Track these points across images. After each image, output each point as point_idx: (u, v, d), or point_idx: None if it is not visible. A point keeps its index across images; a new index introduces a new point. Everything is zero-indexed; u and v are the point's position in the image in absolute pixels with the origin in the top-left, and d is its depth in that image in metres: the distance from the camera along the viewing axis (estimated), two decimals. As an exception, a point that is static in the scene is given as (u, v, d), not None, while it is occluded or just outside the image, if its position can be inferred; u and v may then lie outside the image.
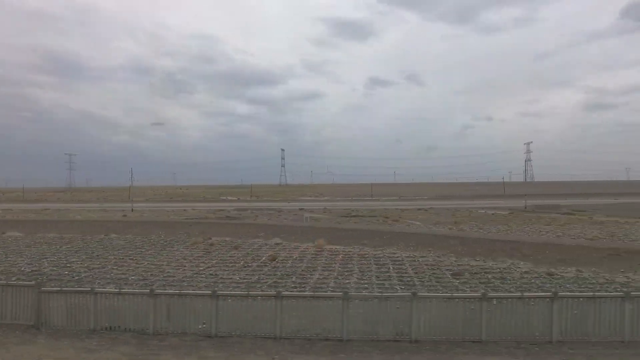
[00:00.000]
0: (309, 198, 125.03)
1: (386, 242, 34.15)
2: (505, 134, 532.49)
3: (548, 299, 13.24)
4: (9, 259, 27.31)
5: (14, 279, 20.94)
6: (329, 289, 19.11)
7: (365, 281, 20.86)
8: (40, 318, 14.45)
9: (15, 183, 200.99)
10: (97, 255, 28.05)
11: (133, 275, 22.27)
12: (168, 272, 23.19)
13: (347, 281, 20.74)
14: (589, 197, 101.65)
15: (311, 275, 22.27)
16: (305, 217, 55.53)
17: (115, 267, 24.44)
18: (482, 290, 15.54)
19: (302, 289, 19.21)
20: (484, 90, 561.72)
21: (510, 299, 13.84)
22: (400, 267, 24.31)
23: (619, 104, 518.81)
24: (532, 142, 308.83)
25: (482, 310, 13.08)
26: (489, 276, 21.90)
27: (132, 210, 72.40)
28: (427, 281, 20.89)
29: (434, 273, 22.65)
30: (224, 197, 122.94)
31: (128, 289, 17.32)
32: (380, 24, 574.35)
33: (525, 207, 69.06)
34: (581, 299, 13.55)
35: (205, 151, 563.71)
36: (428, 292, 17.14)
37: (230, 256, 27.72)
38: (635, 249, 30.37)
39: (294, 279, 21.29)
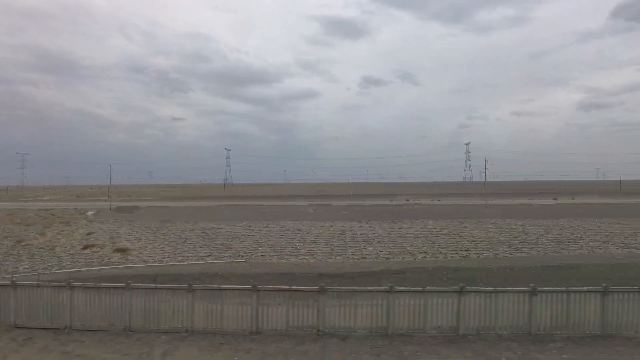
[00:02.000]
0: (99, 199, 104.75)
1: None
2: (501, 133, 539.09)
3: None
4: None
5: None
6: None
7: None
8: None
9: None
10: None
11: None
12: None
13: None
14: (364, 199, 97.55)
15: None
16: None
17: None
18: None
19: None
20: (479, 90, 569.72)
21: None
22: None
23: (613, 103, 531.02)
24: (470, 142, 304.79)
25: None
26: None
27: None
28: None
29: None
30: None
31: None
32: (373, 23, 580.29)
33: (110, 208, 68.72)
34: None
35: (199, 150, 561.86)
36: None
37: None
38: None
39: None
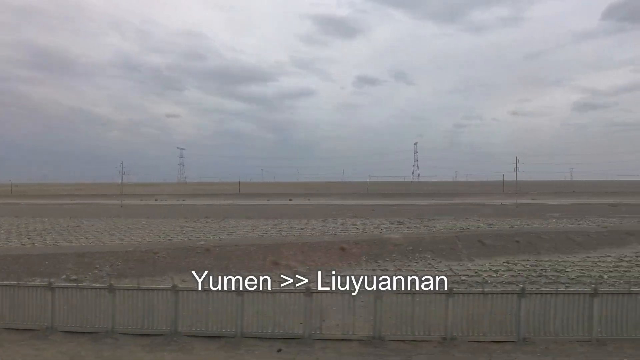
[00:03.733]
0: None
1: None
2: (497, 133, 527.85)
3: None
4: None
5: None
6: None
7: None
8: None
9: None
10: None
11: None
12: None
13: None
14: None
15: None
16: None
17: None
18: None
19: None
20: (476, 90, 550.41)
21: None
22: None
23: (609, 103, 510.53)
24: (417, 142, 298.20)
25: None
26: None
27: None
28: None
29: None
30: None
31: None
32: (368, 22, 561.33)
33: None
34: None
35: (197, 149, 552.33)
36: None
37: None
38: None
39: None
